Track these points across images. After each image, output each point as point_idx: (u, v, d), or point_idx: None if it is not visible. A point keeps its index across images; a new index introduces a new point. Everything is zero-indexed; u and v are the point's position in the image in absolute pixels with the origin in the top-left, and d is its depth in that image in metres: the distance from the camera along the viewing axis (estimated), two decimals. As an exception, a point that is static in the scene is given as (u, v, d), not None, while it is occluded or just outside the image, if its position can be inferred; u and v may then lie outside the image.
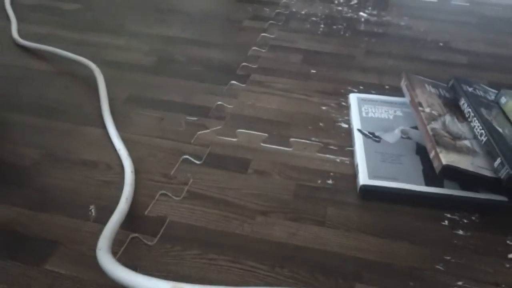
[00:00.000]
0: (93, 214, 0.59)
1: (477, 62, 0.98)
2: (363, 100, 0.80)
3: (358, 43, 1.05)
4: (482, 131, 0.65)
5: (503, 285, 0.52)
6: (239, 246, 0.55)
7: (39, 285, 0.50)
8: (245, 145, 0.72)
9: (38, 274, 0.51)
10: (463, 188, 0.62)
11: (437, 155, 0.61)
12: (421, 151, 0.68)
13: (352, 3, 1.26)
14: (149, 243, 0.55)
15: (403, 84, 0.79)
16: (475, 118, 0.67)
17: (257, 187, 0.64)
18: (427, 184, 0.62)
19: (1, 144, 0.70)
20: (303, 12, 1.19)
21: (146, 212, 0.59)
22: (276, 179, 0.65)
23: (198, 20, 1.13)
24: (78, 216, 0.58)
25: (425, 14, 1.20)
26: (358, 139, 0.71)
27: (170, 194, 0.62)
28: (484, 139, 0.64)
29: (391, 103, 0.79)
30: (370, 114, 0.76)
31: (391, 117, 0.76)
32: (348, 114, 0.79)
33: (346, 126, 0.77)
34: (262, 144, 0.72)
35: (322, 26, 1.12)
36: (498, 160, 0.60)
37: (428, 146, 0.65)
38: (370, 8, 1.23)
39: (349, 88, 0.87)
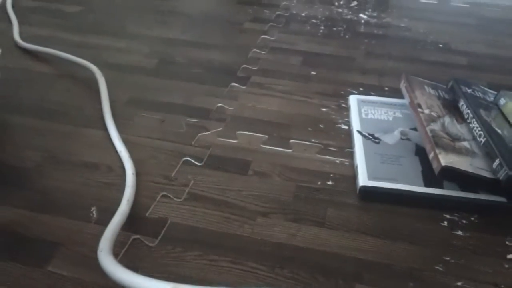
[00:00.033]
0: (95, 216, 0.59)
1: (476, 63, 0.99)
2: (363, 101, 0.80)
3: (358, 44, 1.05)
4: (481, 132, 0.65)
5: (502, 286, 0.52)
6: (239, 247, 0.55)
7: (41, 287, 0.50)
8: (245, 146, 0.72)
9: (39, 276, 0.51)
10: (462, 189, 0.62)
11: (436, 156, 0.61)
12: (421, 152, 0.68)
13: (352, 5, 1.27)
14: (150, 244, 0.55)
15: (402, 85, 0.79)
16: (474, 120, 0.68)
17: (257, 189, 0.64)
18: (427, 185, 0.63)
19: (2, 146, 0.71)
20: (303, 14, 1.20)
21: (147, 214, 0.60)
22: (276, 181, 0.66)
23: (198, 22, 1.14)
24: (79, 218, 0.59)
25: (425, 16, 1.20)
26: (357, 140, 0.71)
27: (171, 196, 0.62)
28: (483, 140, 0.64)
29: (390, 105, 0.80)
30: (370, 116, 0.77)
31: (390, 118, 0.76)
32: (348, 116, 0.79)
33: (346, 127, 0.77)
34: (262, 145, 0.72)
35: (322, 28, 1.13)
36: (497, 161, 0.60)
37: (427, 147, 0.65)
38: (370, 10, 1.24)
39: (349, 89, 0.87)
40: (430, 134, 0.65)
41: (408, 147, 0.70)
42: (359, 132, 0.73)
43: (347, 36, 1.09)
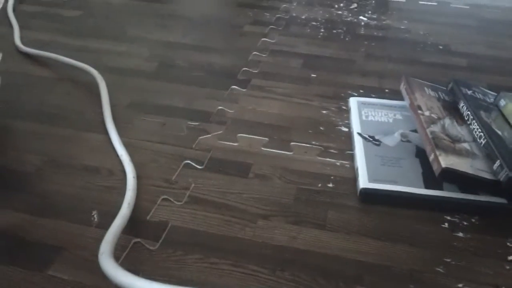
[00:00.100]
0: (96, 219, 0.59)
1: (476, 64, 0.99)
2: (363, 103, 0.80)
3: (358, 47, 1.05)
4: (481, 133, 0.65)
5: (503, 287, 0.52)
6: (240, 250, 0.56)
7: (42, 290, 0.51)
8: (246, 149, 0.72)
9: (40, 280, 0.51)
10: (463, 190, 0.62)
11: (436, 158, 0.62)
12: (421, 154, 0.68)
13: (352, 7, 1.27)
14: (151, 248, 0.55)
15: (402, 87, 0.79)
16: (474, 121, 0.68)
17: (258, 191, 0.64)
18: (427, 187, 0.63)
19: (3, 150, 0.71)
20: (303, 17, 1.20)
21: (148, 217, 0.60)
22: (277, 183, 0.66)
23: (198, 25, 1.14)
24: (80, 222, 0.59)
25: (425, 18, 1.21)
26: (358, 142, 0.71)
27: (171, 199, 0.62)
28: (483, 142, 0.64)
29: (391, 107, 0.80)
30: (370, 118, 0.77)
31: (391, 120, 0.76)
32: (348, 118, 0.80)
33: (346, 129, 0.77)
34: (263, 148, 0.72)
35: (322, 30, 1.13)
36: (497, 163, 0.60)
37: (428, 149, 0.65)
38: (369, 12, 1.24)
39: (349, 92, 0.88)
40: (430, 136, 0.65)
41: (409, 149, 0.70)
42: (359, 134, 0.73)
43: (347, 39, 1.09)
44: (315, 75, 0.93)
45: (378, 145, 0.70)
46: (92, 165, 0.68)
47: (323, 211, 0.61)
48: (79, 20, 1.15)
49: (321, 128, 0.77)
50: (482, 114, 0.70)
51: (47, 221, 0.59)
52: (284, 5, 1.27)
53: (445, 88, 0.81)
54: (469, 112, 0.70)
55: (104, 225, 0.57)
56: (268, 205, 0.62)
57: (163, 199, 0.62)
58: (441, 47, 1.06)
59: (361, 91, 0.88)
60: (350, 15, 1.22)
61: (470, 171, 0.61)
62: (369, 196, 0.63)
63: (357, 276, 0.53)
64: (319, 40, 1.08)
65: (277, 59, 0.99)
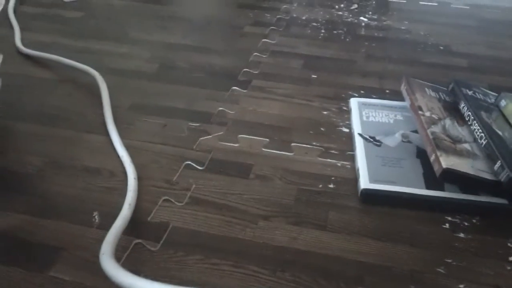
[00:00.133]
0: (97, 220, 0.59)
1: (477, 65, 0.99)
2: (364, 104, 0.80)
3: (359, 47, 1.05)
4: (482, 134, 0.65)
5: (504, 288, 0.52)
6: (241, 250, 0.56)
7: (44, 291, 0.51)
8: (246, 150, 0.72)
9: (41, 281, 0.52)
10: (464, 191, 0.62)
11: (437, 158, 0.62)
12: (422, 155, 0.68)
13: (353, 8, 1.27)
14: (152, 248, 0.55)
15: (403, 88, 0.79)
16: (475, 121, 0.68)
17: (259, 192, 0.64)
18: (428, 187, 0.63)
19: (4, 152, 0.71)
20: (303, 18, 1.20)
21: (149, 218, 0.60)
22: (278, 184, 0.66)
23: (199, 27, 1.14)
24: (81, 223, 0.59)
25: (425, 18, 1.21)
26: (359, 143, 0.71)
27: (172, 200, 0.62)
28: (484, 142, 0.64)
29: (391, 107, 0.80)
30: (371, 118, 0.77)
31: (391, 121, 0.76)
32: (349, 119, 0.80)
33: (347, 130, 0.77)
34: (263, 149, 0.72)
35: (322, 31, 1.13)
36: (498, 163, 0.60)
37: (428, 149, 0.65)
38: (370, 12, 1.24)
39: (350, 92, 0.88)
40: (431, 137, 0.65)
41: (409, 149, 0.70)
42: (360, 135, 0.73)
43: (347, 39, 1.09)
44: (315, 76, 0.93)
45: (379, 145, 0.70)
46: (93, 166, 0.68)
47: (324, 212, 0.61)
48: (80, 21, 1.16)
49: (321, 128, 0.77)
50: (483, 114, 0.70)
51: (48, 222, 0.59)
52: (285, 6, 1.27)
53: (445, 89, 0.81)
54: (469, 113, 0.70)
55: (105, 226, 0.57)
56: (269, 206, 0.62)
57: (164, 200, 0.62)
58: (441, 47, 1.06)
59: (362, 91, 0.88)
60: (350, 15, 1.22)
61: (471, 171, 0.61)
62: (370, 196, 0.63)
63: (358, 276, 0.53)
64: (319, 41, 1.08)
65: (277, 60, 0.99)
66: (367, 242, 0.57)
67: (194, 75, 0.93)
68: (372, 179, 0.64)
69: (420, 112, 0.71)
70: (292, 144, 0.74)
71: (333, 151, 0.72)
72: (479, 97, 0.76)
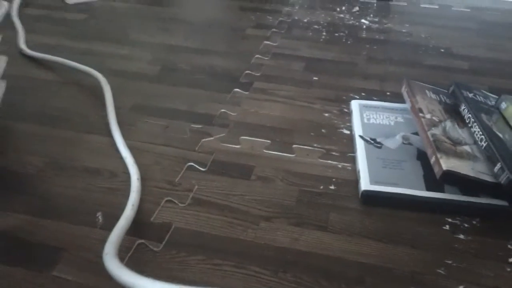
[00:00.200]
0: (100, 221, 0.60)
1: (478, 67, 0.99)
2: (365, 106, 0.81)
3: (360, 50, 1.06)
4: (482, 136, 0.65)
5: (504, 289, 0.53)
6: (243, 251, 0.56)
7: (47, 291, 0.51)
8: (248, 152, 0.73)
9: (44, 281, 0.52)
10: (464, 193, 0.63)
11: (437, 160, 0.62)
12: (422, 157, 0.68)
13: (354, 10, 1.28)
14: (155, 249, 0.56)
15: (404, 90, 0.80)
16: (475, 124, 0.68)
17: (260, 193, 0.65)
18: (428, 189, 0.63)
19: (4, 152, 0.72)
20: (305, 20, 1.20)
21: (151, 219, 0.60)
22: (279, 185, 0.66)
23: (201, 29, 1.15)
24: (82, 223, 0.59)
25: (426, 21, 1.21)
26: (359, 145, 0.71)
27: (175, 201, 0.63)
28: (484, 145, 0.65)
29: (392, 109, 0.80)
30: (372, 121, 0.77)
31: (392, 123, 0.77)
32: (350, 121, 0.80)
33: (348, 132, 0.77)
34: (265, 150, 0.73)
35: (324, 33, 1.13)
36: (498, 165, 0.60)
37: (429, 151, 0.65)
38: (371, 15, 1.24)
39: (351, 94, 0.88)
40: (431, 139, 0.66)
41: (410, 151, 0.70)
42: (361, 137, 0.73)
43: (349, 42, 1.10)
44: (317, 78, 0.94)
45: (380, 147, 0.71)
46: (93, 167, 0.69)
47: (325, 213, 0.62)
48: (84, 23, 1.16)
49: (323, 130, 0.78)
50: (483, 116, 0.70)
51: (49, 223, 0.59)
52: (287, 9, 1.27)
53: (446, 91, 0.81)
54: (470, 115, 0.70)
55: (108, 227, 0.57)
56: (270, 207, 0.62)
57: (167, 201, 0.63)
58: (442, 50, 1.06)
59: (363, 94, 0.88)
60: (352, 18, 1.22)
61: (471, 173, 0.61)
62: (370, 198, 0.63)
63: (359, 277, 0.53)
64: (321, 43, 1.09)
65: (279, 62, 1.00)
66: (368, 243, 0.58)
67: (196, 77, 0.93)
68: (373, 181, 0.64)
69: (420, 114, 0.71)
70: (294, 145, 0.74)
71: (334, 153, 0.73)
72: (479, 99, 0.76)
